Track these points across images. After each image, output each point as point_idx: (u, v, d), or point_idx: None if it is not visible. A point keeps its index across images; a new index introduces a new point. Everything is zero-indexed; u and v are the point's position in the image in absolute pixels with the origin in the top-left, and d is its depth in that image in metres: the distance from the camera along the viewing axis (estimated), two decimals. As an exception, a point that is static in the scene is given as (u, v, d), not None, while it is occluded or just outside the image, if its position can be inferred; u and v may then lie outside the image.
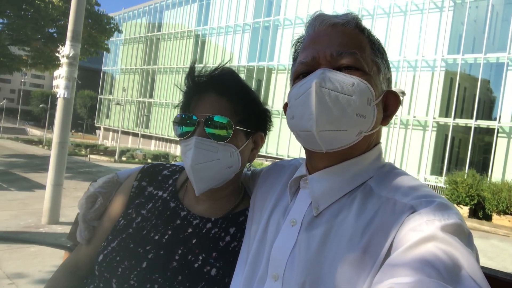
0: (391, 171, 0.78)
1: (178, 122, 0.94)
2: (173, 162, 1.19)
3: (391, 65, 0.84)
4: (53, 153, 5.96)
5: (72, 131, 53.33)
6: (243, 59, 30.21)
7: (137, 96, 39.81)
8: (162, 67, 37.20)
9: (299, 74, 0.79)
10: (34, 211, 6.53)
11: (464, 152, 20.92)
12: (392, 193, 0.70)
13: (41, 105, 52.65)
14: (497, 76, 20.63)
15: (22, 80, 77.17)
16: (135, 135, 39.19)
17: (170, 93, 35.44)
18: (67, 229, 1.27)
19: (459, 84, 20.71)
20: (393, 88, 0.83)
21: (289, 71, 0.92)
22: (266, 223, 0.84)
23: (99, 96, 47.39)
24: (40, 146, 27.54)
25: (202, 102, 0.94)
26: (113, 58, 44.55)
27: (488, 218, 14.46)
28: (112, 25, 15.59)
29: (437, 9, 21.42)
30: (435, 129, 21.09)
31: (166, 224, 0.95)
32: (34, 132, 54.47)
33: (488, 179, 15.88)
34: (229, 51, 31.11)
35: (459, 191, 14.77)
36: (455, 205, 14.68)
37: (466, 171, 16.02)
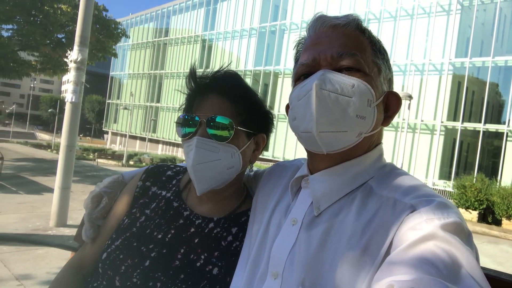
0: (392, 171, 0.78)
1: (181, 123, 0.95)
2: (177, 163, 1.20)
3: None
4: (61, 156, 6.01)
5: (80, 135, 53.83)
6: (249, 63, 30.33)
7: (145, 100, 40.11)
8: (169, 72, 37.48)
9: (300, 75, 0.80)
10: (42, 214, 6.58)
11: (473, 156, 20.70)
12: (392, 193, 0.70)
13: (50, 110, 53.37)
14: (506, 79, 20.45)
15: (32, 85, 78.27)
16: (142, 139, 39.46)
17: (177, 97, 35.58)
18: (74, 231, 1.28)
19: (467, 87, 20.54)
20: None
21: (294, 74, 0.93)
22: (268, 222, 0.84)
23: (107, 101, 47.85)
24: (49, 150, 27.84)
25: (205, 103, 0.95)
26: (121, 63, 45.01)
27: (497, 223, 14.24)
28: (119, 30, 15.75)
29: (444, 13, 21.29)
30: (443, 133, 20.91)
31: (169, 223, 0.96)
32: (43, 136, 55.17)
33: (498, 183, 15.65)
34: (236, 56, 31.26)
35: (468, 195, 14.57)
36: (463, 209, 14.43)
37: (474, 175, 15.80)
